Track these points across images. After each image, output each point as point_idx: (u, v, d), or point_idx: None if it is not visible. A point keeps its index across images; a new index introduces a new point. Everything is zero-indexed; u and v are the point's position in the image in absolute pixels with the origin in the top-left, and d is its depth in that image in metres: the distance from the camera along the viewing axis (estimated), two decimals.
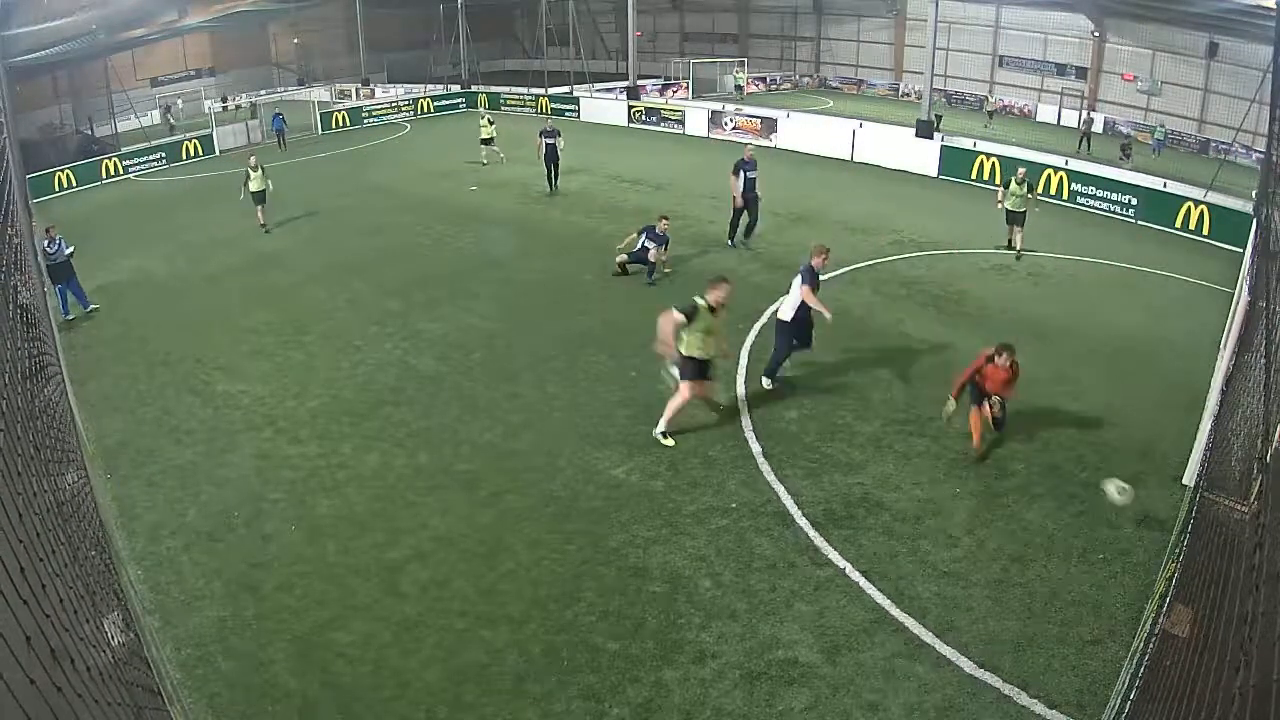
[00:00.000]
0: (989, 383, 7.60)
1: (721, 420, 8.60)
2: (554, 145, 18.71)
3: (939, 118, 32.92)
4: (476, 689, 5.30)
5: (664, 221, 13.02)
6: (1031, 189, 14.43)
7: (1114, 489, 6.29)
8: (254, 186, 16.61)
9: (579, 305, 12.05)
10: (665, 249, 13.02)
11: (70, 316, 12.38)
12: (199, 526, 7.06)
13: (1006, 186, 14.40)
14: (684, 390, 8.04)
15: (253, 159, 17.05)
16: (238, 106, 31.62)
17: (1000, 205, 14.41)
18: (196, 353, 10.67)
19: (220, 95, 37.91)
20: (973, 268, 13.49)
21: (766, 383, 9.24)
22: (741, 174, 14.16)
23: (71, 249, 12.37)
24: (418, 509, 7.25)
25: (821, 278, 8.96)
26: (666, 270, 13.18)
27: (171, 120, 35.34)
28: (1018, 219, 14.21)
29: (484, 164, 22.23)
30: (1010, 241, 14.40)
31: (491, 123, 23.06)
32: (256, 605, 6.09)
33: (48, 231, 12.22)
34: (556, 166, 19.00)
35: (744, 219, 14.62)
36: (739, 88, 39.82)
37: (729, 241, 14.70)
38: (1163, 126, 31.84)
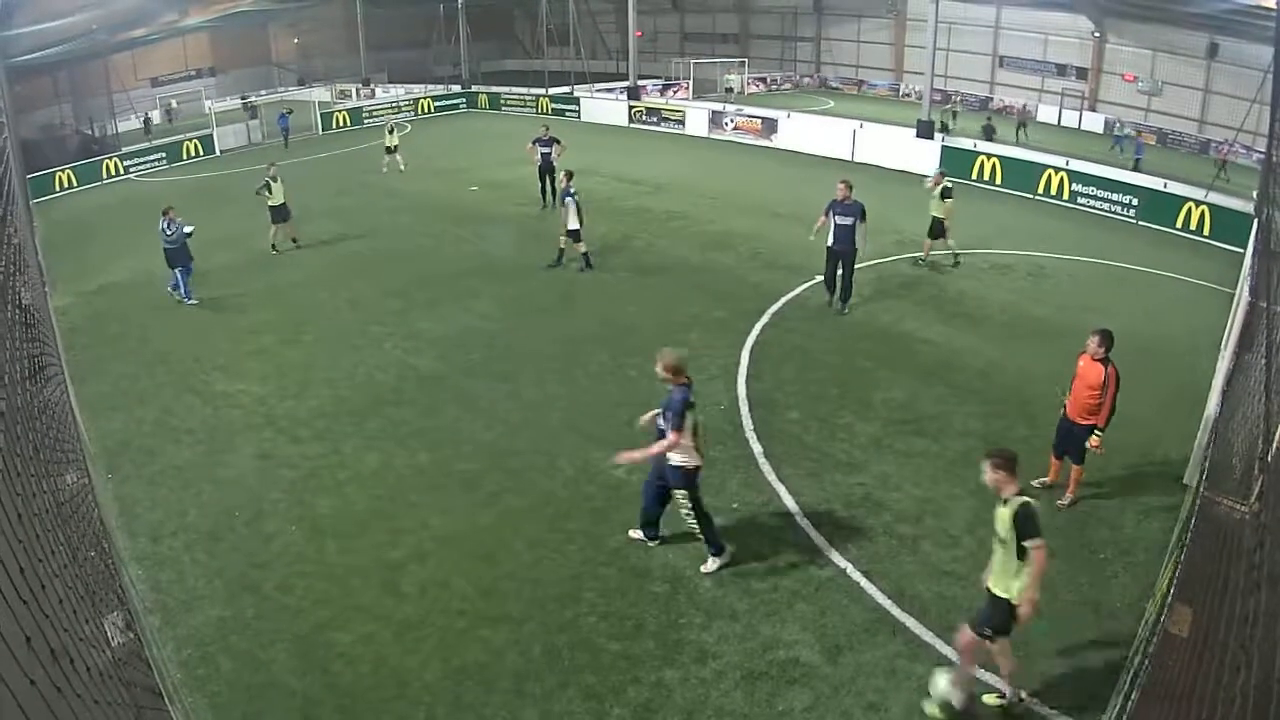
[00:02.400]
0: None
1: (722, 420, 8.60)
2: (549, 155, 17.04)
3: (955, 114, 32.95)
4: (476, 689, 5.30)
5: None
6: (947, 195, 13.20)
7: (944, 684, 5.00)
8: (275, 200, 14.80)
9: (579, 305, 12.05)
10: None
11: (194, 301, 12.54)
12: (199, 526, 7.06)
13: (945, 196, 13.26)
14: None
15: (273, 169, 15.18)
16: (252, 104, 31.63)
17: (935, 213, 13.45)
18: (196, 352, 10.67)
19: (240, 94, 37.84)
20: (973, 268, 13.49)
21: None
22: (832, 217, 11.12)
23: (191, 229, 12.37)
24: (418, 509, 7.25)
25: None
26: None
27: (171, 119, 35.43)
28: (938, 229, 13.34)
29: (383, 172, 21.89)
30: (924, 258, 13.59)
31: (391, 131, 22.97)
32: (256, 605, 6.09)
33: (166, 213, 12.30)
34: (553, 178, 16.94)
35: (839, 277, 11.38)
36: (730, 89, 39.84)
37: (826, 301, 11.65)
38: (1122, 124, 32.30)
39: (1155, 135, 32.86)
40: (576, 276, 13.21)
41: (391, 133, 22.74)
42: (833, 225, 11.07)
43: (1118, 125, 32.87)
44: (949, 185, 13.37)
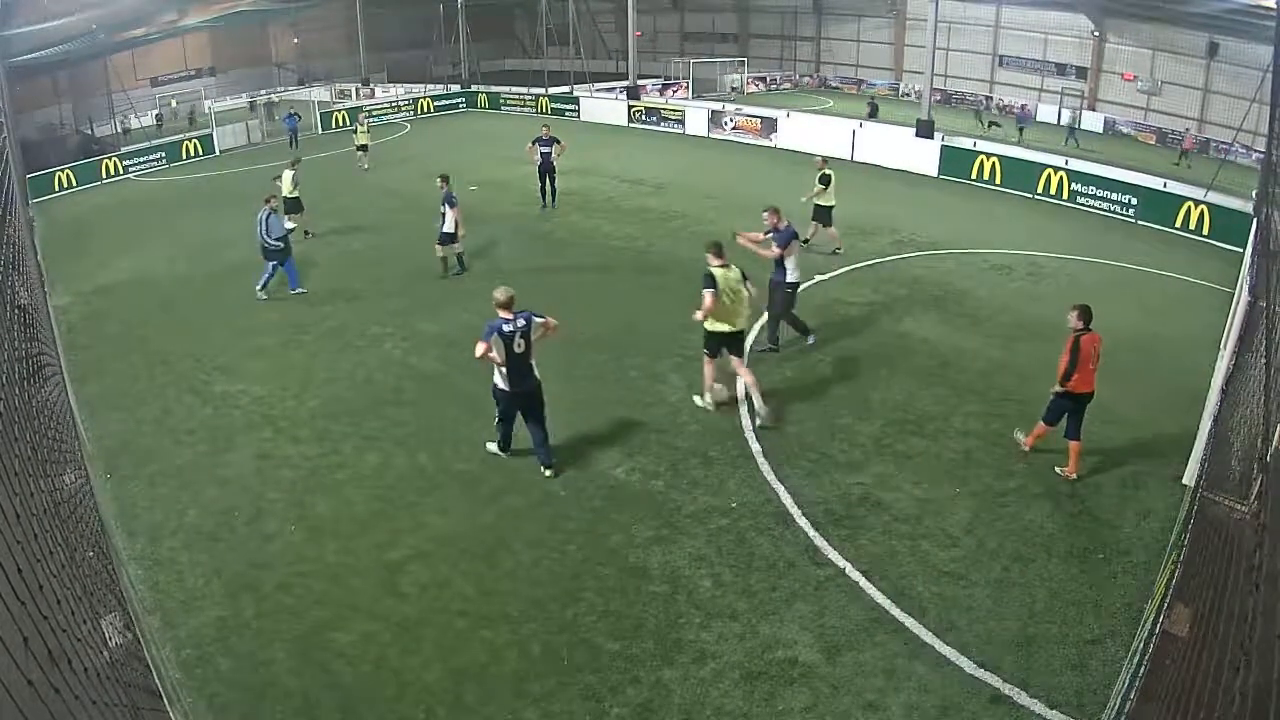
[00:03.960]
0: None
1: (721, 420, 8.60)
2: (549, 155, 16.92)
3: (993, 125, 32.06)
4: (476, 689, 5.30)
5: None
6: (826, 180, 13.66)
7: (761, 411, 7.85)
8: (285, 192, 15.14)
9: (579, 305, 12.03)
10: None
11: (301, 290, 12.65)
12: (199, 526, 7.06)
13: (824, 183, 13.74)
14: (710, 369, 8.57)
15: (296, 165, 15.75)
16: (271, 102, 31.91)
17: (812, 199, 13.98)
18: (196, 352, 10.66)
19: (242, 92, 37.97)
20: (973, 268, 13.48)
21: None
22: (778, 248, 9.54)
23: (293, 226, 12.42)
24: (417, 509, 7.25)
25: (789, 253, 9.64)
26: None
27: (192, 120, 35.55)
28: (823, 214, 13.91)
29: (364, 169, 22.24)
30: (808, 238, 13.85)
31: (359, 128, 23.41)
32: (256, 605, 6.09)
33: (267, 202, 12.36)
34: (553, 179, 17.23)
35: None
36: (734, 89, 39.88)
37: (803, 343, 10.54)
38: (1073, 111, 33.24)
39: (1155, 135, 32.88)
40: (577, 276, 13.21)
41: (365, 131, 23.03)
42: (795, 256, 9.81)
43: (1071, 116, 33.80)
44: (828, 173, 13.78)
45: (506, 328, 7.09)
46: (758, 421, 8.36)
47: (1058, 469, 7.53)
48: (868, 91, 43.79)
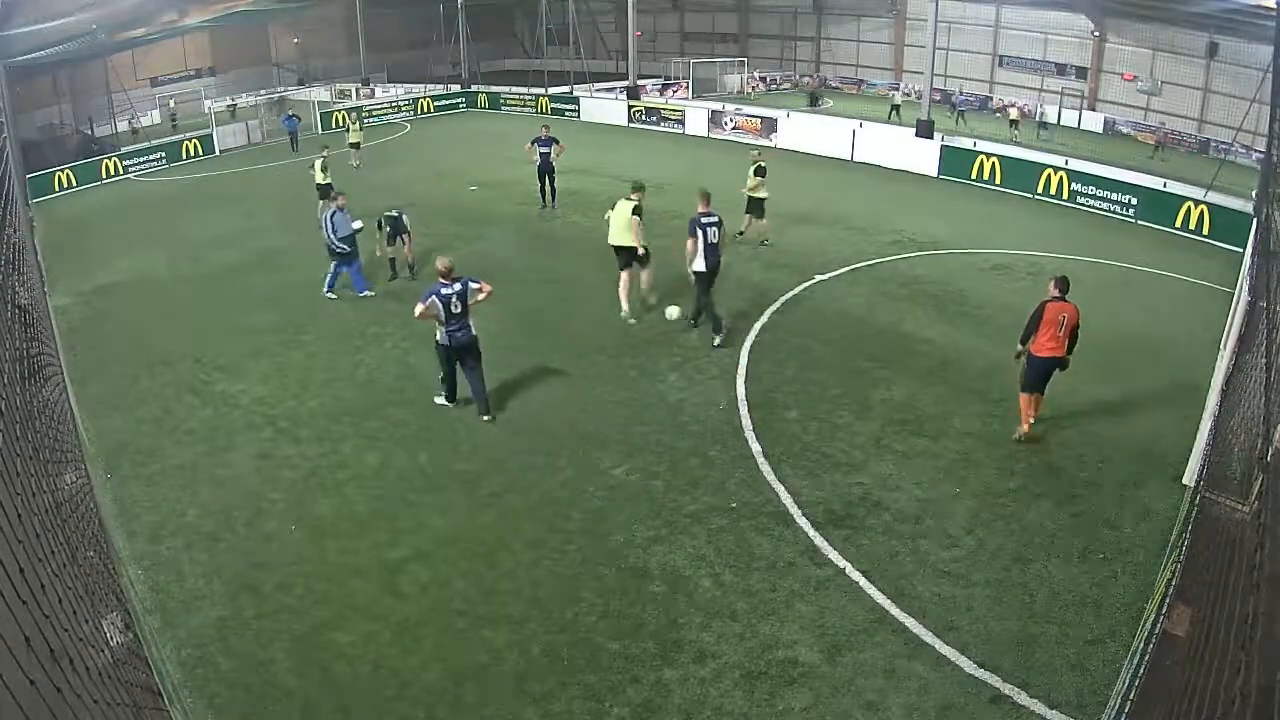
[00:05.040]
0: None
1: (721, 420, 8.61)
2: (548, 154, 16.87)
3: (1045, 127, 31.38)
4: (476, 689, 5.30)
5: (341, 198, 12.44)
6: (762, 173, 14.15)
7: (673, 311, 10.17)
8: (319, 180, 16.10)
9: (579, 304, 12.05)
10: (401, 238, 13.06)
11: (369, 293, 12.53)
12: (199, 526, 7.06)
13: (759, 175, 14.23)
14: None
15: (325, 151, 16.73)
16: (281, 98, 32.15)
17: (746, 191, 14.48)
18: (196, 353, 10.66)
19: (260, 91, 38.05)
20: (973, 268, 13.49)
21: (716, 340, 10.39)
22: (700, 235, 10.11)
23: (359, 225, 12.15)
24: (418, 509, 7.25)
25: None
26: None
27: (173, 121, 35.49)
28: (756, 206, 14.35)
29: (356, 167, 22.23)
30: (742, 231, 14.60)
31: (352, 126, 23.57)
32: (256, 605, 6.09)
33: (335, 200, 12.32)
34: (553, 179, 17.19)
35: None
36: (745, 91, 39.95)
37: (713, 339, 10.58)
38: (962, 93, 35.16)
39: (1155, 134, 32.85)
40: (577, 276, 13.21)
41: (359, 129, 23.12)
42: (702, 244, 10.06)
43: (955, 95, 36.12)
44: (763, 165, 14.27)
45: (445, 291, 8.20)
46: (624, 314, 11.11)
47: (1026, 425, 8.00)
48: (867, 92, 43.82)
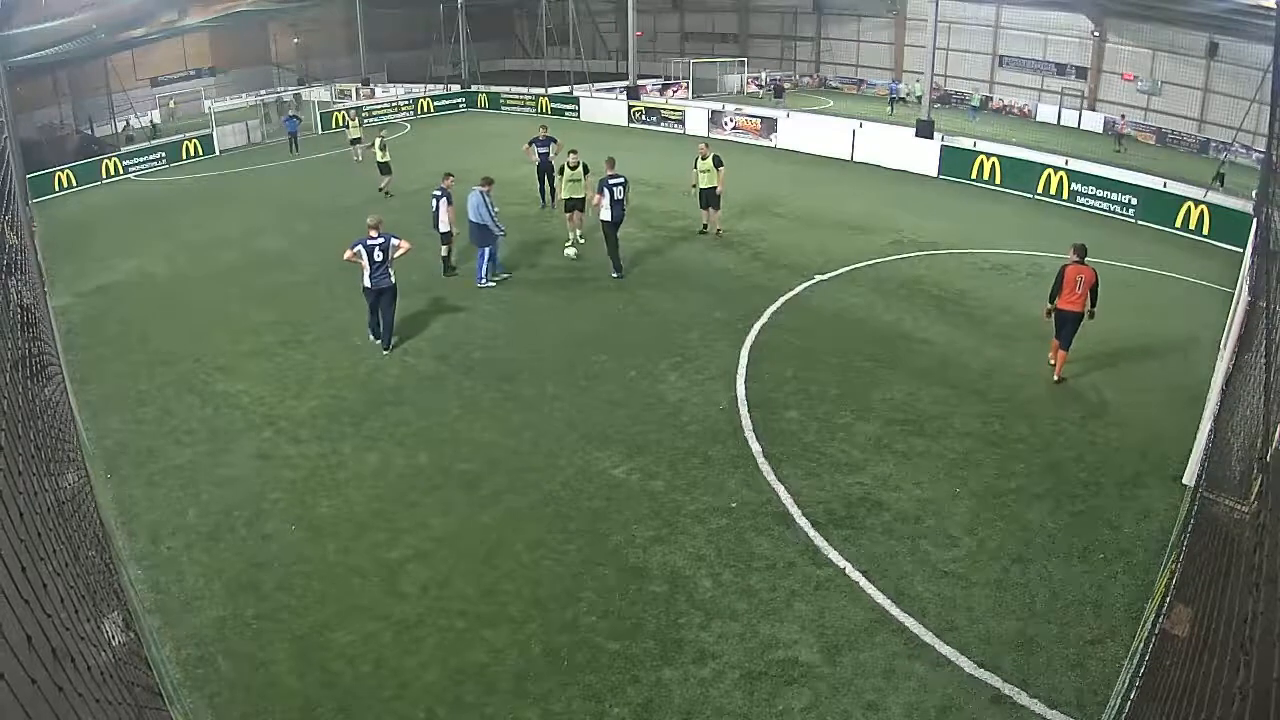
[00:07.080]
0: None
1: (721, 420, 8.61)
2: (547, 154, 16.97)
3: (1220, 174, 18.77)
4: (476, 689, 5.30)
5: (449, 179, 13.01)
6: (719, 164, 14.43)
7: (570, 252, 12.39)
8: (381, 159, 18.40)
9: (578, 305, 12.05)
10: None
11: (490, 284, 12.72)
12: (199, 526, 7.06)
13: (695, 166, 14.67)
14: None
15: (381, 135, 19.00)
16: (295, 98, 32.35)
17: (694, 188, 14.88)
18: (196, 353, 10.66)
19: (261, 90, 38.08)
20: (973, 268, 13.49)
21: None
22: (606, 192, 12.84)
23: (496, 210, 12.30)
24: (418, 509, 7.25)
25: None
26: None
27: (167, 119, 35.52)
28: (712, 199, 14.72)
29: (357, 160, 22.64)
30: (705, 225, 15.14)
31: (351, 123, 24.34)
32: (256, 605, 6.10)
33: (484, 184, 12.38)
34: (552, 177, 16.97)
35: None
36: (775, 91, 40.06)
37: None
38: (977, 93, 36.13)
39: (1154, 134, 32.87)
40: (577, 275, 13.21)
41: (358, 125, 23.65)
42: (609, 200, 12.48)
43: (894, 88, 38.50)
44: (718, 155, 14.64)
45: (369, 242, 9.98)
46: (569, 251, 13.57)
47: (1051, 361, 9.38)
48: (867, 92, 43.83)
